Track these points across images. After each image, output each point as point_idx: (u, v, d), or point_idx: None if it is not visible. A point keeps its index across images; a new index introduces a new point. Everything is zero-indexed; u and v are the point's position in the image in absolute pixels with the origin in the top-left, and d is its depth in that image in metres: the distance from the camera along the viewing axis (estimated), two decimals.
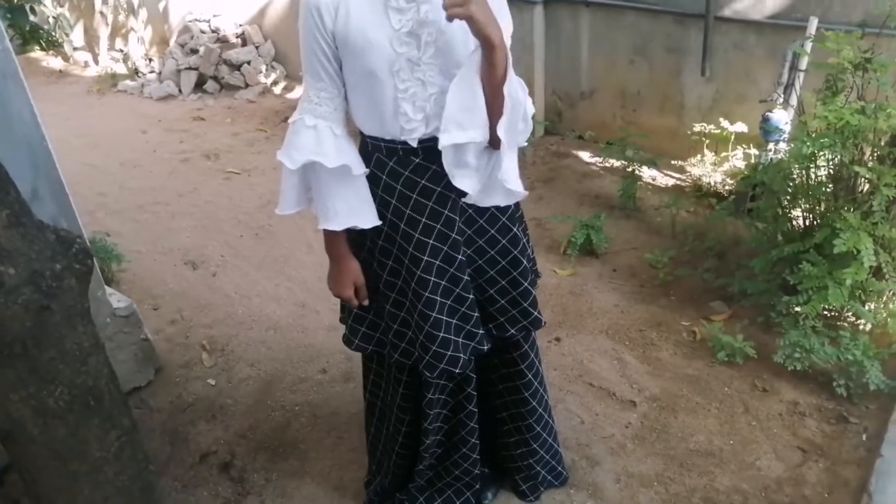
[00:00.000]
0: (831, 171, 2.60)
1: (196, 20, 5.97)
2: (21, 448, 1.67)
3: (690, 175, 3.78)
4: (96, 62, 6.78)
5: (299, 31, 1.52)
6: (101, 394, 1.75)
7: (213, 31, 5.85)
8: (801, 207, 2.73)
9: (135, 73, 6.26)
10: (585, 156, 4.21)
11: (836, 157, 2.50)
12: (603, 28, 4.04)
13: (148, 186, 4.25)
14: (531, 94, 1.38)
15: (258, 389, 2.55)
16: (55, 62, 6.99)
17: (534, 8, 4.07)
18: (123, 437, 1.76)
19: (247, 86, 5.69)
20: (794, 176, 2.69)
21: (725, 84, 3.70)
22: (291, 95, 5.62)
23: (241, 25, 5.88)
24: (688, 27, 3.72)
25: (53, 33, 6.96)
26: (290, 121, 1.57)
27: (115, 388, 1.83)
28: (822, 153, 2.49)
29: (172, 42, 6.16)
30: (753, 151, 3.45)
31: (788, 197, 2.70)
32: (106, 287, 2.64)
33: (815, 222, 2.68)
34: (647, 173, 3.85)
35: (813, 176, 2.64)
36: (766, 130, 3.15)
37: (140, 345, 2.62)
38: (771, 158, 3.15)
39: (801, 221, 2.75)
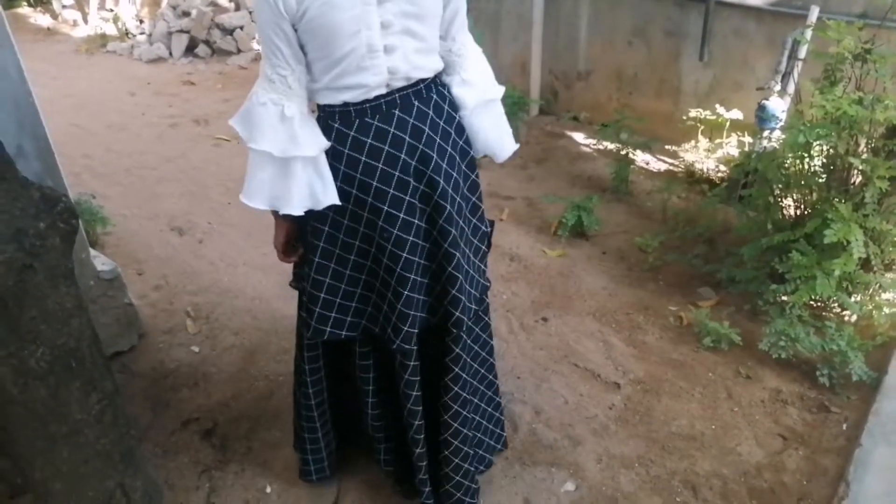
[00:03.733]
0: (825, 162, 2.59)
1: None
2: None
3: (684, 160, 3.77)
4: (86, 21, 6.65)
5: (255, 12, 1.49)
6: (82, 356, 1.72)
7: None
8: (793, 197, 2.73)
9: (125, 34, 6.15)
10: (580, 137, 4.19)
11: (831, 147, 2.50)
12: (603, 7, 4.00)
13: (135, 150, 4.18)
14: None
15: (242, 358, 2.54)
16: (43, 19, 6.85)
17: None
18: (104, 401, 1.74)
19: (239, 51, 5.61)
20: (788, 165, 2.68)
21: (723, 70, 3.68)
22: None
23: None
24: (688, 11, 3.68)
25: None
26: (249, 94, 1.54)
27: (97, 350, 1.80)
28: (817, 143, 2.48)
29: (164, 4, 6.05)
30: (748, 139, 3.45)
31: (781, 186, 2.70)
32: (90, 249, 2.60)
33: (806, 212, 2.68)
34: (640, 157, 3.84)
35: (807, 165, 2.63)
36: (762, 118, 3.14)
37: (124, 309, 2.59)
38: (765, 146, 3.14)
39: (792, 211, 2.75)
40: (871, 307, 2.49)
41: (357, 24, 1.44)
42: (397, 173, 1.57)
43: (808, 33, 2.92)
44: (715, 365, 2.47)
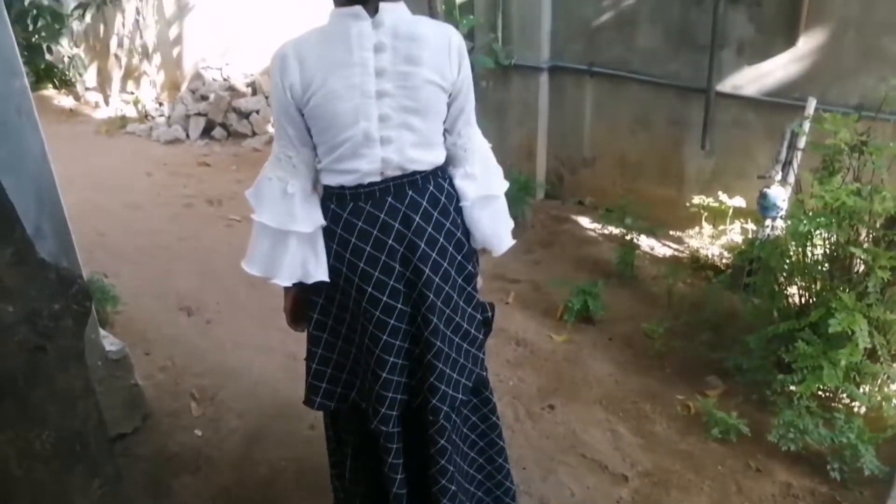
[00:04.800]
0: (827, 251, 2.62)
1: (208, 68, 6.10)
2: (1, 487, 1.63)
3: (688, 246, 3.81)
4: (107, 103, 6.89)
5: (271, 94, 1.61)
6: (87, 439, 1.72)
7: (224, 80, 5.97)
8: (797, 285, 2.75)
9: (144, 116, 6.36)
10: (585, 221, 4.25)
11: (832, 236, 2.53)
12: (606, 97, 4.13)
13: (149, 229, 4.27)
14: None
15: (245, 443, 2.51)
16: (67, 101, 7.11)
17: (539, 74, 4.17)
18: (106, 486, 1.73)
19: (254, 134, 5.78)
20: (791, 253, 2.72)
21: (725, 158, 3.77)
22: None
23: (251, 75, 6.01)
24: (689, 101, 3.80)
25: (67, 73, 7.11)
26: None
27: (101, 434, 1.80)
28: (818, 232, 2.52)
29: (184, 88, 6.28)
30: (751, 226, 3.49)
31: (785, 274, 2.72)
32: (100, 329, 2.63)
33: (810, 300, 2.69)
34: (645, 242, 3.89)
35: (809, 254, 2.66)
36: (764, 206, 3.19)
37: (129, 390, 2.59)
38: (768, 234, 3.18)
39: (797, 299, 2.76)
40: (879, 398, 2.47)
41: (356, 114, 1.52)
42: (383, 257, 1.62)
43: (806, 125, 3.00)
44: (724, 457, 2.43)
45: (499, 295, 3.43)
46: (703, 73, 3.64)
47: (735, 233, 3.64)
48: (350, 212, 1.62)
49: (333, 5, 1.53)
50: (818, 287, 2.63)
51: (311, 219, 1.63)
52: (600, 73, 4.05)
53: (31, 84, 7.07)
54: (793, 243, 2.60)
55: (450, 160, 1.71)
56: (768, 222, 3.21)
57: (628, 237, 3.72)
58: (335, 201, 1.63)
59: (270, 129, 5.79)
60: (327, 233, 1.65)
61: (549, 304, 3.40)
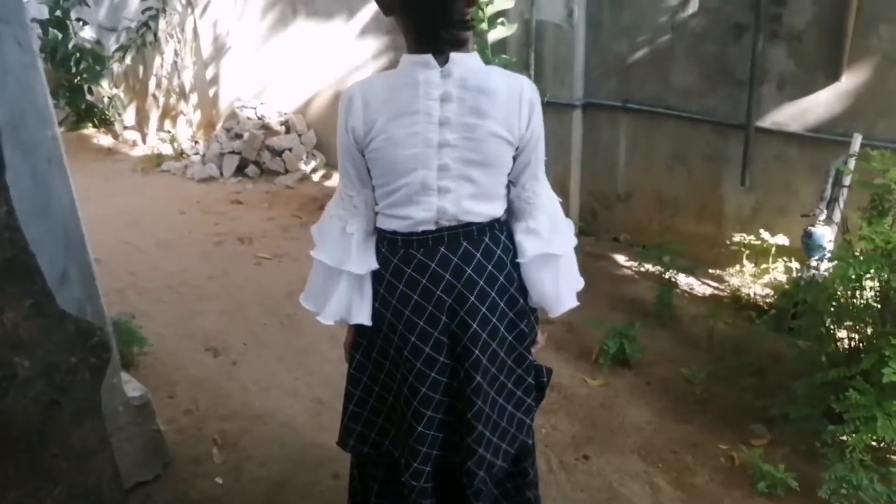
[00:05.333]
0: (878, 294, 2.48)
1: (243, 107, 6.17)
2: None
3: (729, 285, 3.68)
4: (144, 142, 7.01)
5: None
6: (101, 495, 1.66)
7: (258, 118, 6.03)
8: (846, 329, 2.61)
9: (180, 154, 6.44)
10: (621, 259, 4.14)
11: (883, 279, 2.40)
12: (641, 132, 4.05)
13: (179, 268, 4.27)
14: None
15: (267, 491, 2.44)
16: (105, 140, 7.24)
17: (573, 111, 4.11)
18: None
19: (286, 172, 5.80)
20: (839, 297, 2.58)
21: (766, 195, 3.65)
22: (329, 183, 5.71)
23: (285, 114, 6.06)
24: (728, 137, 3.70)
25: (107, 112, 7.27)
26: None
27: (117, 488, 1.75)
28: (868, 275, 2.38)
29: (219, 126, 6.36)
30: (795, 265, 3.35)
31: (833, 318, 2.58)
32: (122, 373, 2.59)
33: (861, 344, 2.55)
34: (683, 280, 3.76)
35: (859, 298, 2.52)
36: (809, 245, 3.06)
37: (151, 436, 2.54)
38: (814, 274, 3.04)
39: (846, 343, 2.62)
40: None
41: (415, 162, 1.49)
42: (430, 307, 1.57)
43: (852, 163, 2.88)
44: None
45: None
46: (742, 108, 3.54)
47: (778, 272, 3.50)
48: (400, 258, 1.58)
49: (406, 51, 1.51)
50: (869, 332, 2.49)
51: (365, 261, 1.62)
52: (635, 109, 3.98)
53: (72, 123, 7.27)
54: (841, 287, 2.47)
55: (513, 213, 1.65)
56: (814, 262, 3.07)
57: (666, 275, 3.60)
58: (387, 245, 1.60)
59: (303, 166, 5.82)
60: (375, 276, 1.63)
61: (583, 345, 3.28)
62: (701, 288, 3.76)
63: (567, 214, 4.49)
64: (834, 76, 3.26)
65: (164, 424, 2.70)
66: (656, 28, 3.77)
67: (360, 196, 1.61)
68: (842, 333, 2.63)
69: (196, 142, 6.65)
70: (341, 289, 1.63)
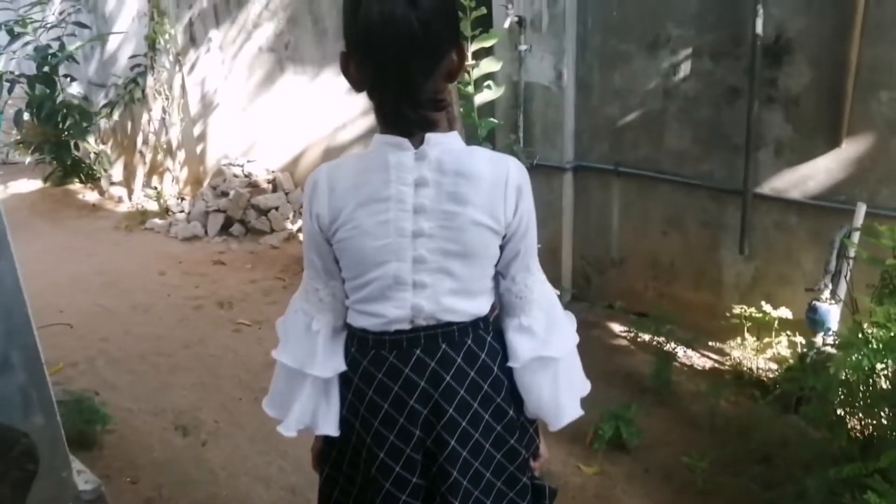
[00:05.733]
0: (892, 382, 2.30)
1: (230, 164, 6.06)
2: None
3: (730, 358, 3.49)
4: (130, 198, 6.88)
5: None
6: None
7: (245, 176, 5.91)
8: (859, 419, 2.41)
9: (165, 211, 6.31)
10: (616, 327, 3.96)
11: None
12: (634, 196, 3.91)
13: (153, 334, 4.08)
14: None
15: None
16: (91, 196, 7.12)
17: (563, 174, 3.98)
18: None
19: (272, 231, 5.66)
20: (851, 385, 2.39)
21: (766, 263, 3.49)
22: None
23: (273, 172, 5.95)
24: (725, 203, 3.56)
25: (94, 168, 7.16)
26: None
27: None
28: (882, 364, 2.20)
29: (205, 184, 6.24)
30: (800, 340, 3.18)
31: (844, 406, 2.39)
32: (76, 463, 2.39)
33: (875, 434, 2.35)
34: (682, 352, 3.57)
35: (871, 384, 2.34)
36: (814, 321, 2.90)
37: None
38: (819, 349, 2.87)
39: (860, 432, 2.42)
40: None
41: (387, 254, 1.32)
42: (402, 420, 1.37)
43: (856, 237, 2.73)
44: None
45: None
46: (739, 174, 3.41)
47: (781, 345, 3.32)
48: (371, 360, 1.39)
49: (378, 130, 1.35)
50: (885, 424, 2.29)
51: (332, 362, 1.43)
52: (627, 172, 3.85)
53: (58, 178, 7.13)
54: (852, 373, 2.28)
55: (504, 309, 1.45)
56: (819, 338, 2.90)
57: (665, 348, 3.41)
58: (357, 344, 1.42)
59: (289, 225, 5.67)
60: (344, 380, 1.44)
61: (577, 426, 3.01)
62: (700, 360, 3.57)
63: (559, 279, 4.25)
64: (834, 142, 3.14)
65: None
66: (648, 91, 3.67)
67: (328, 289, 1.43)
68: (854, 422, 2.44)
69: (182, 199, 6.53)
70: (305, 394, 1.44)
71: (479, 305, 1.39)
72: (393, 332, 1.36)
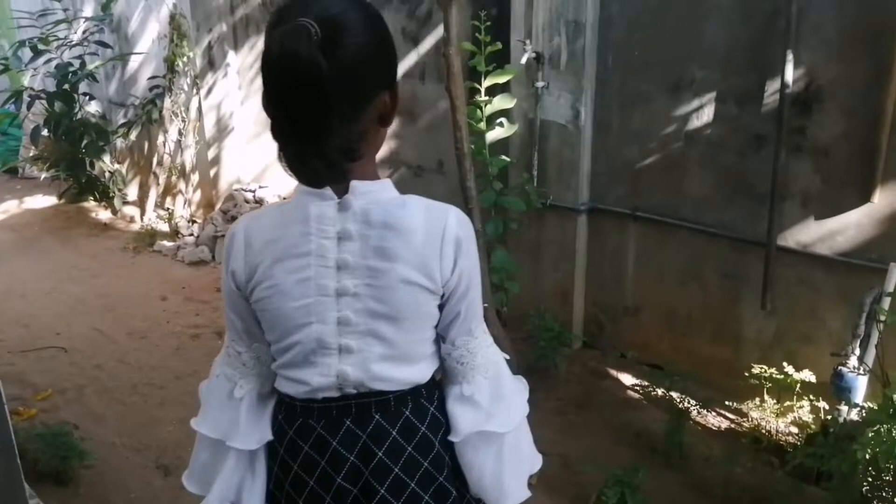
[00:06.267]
0: None
1: (242, 189, 5.98)
2: None
3: (748, 419, 3.28)
4: (142, 218, 6.82)
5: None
6: None
7: (256, 202, 5.82)
8: (885, 499, 2.21)
9: (175, 233, 6.23)
10: (627, 379, 3.76)
11: None
12: (652, 243, 3.74)
13: (148, 363, 3.95)
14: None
15: None
16: (104, 214, 7.07)
17: (577, 216, 3.82)
18: None
19: None
20: (877, 459, 2.19)
21: (789, 320, 3.29)
22: None
23: (284, 198, 5.85)
24: (747, 254, 3.38)
25: (108, 186, 7.13)
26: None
27: None
28: None
29: (217, 208, 6.16)
30: (823, 405, 2.97)
31: (871, 489, 2.19)
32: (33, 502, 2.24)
33: None
34: (696, 409, 3.36)
35: None
36: (839, 387, 2.69)
37: None
38: (844, 419, 2.67)
39: None
40: None
41: (307, 315, 1.18)
42: (329, 499, 1.22)
43: (887, 302, 2.54)
44: None
45: None
46: (763, 224, 3.22)
47: (804, 409, 3.10)
48: (297, 430, 1.25)
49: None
50: None
51: (257, 432, 1.29)
52: (645, 217, 3.68)
53: (73, 195, 7.10)
54: (882, 458, 2.08)
55: (445, 375, 1.31)
56: (843, 407, 2.69)
57: (678, 404, 3.21)
58: (284, 411, 1.28)
59: None
60: (270, 451, 1.30)
61: (580, 487, 2.88)
62: (716, 420, 3.36)
63: (569, 325, 4.02)
64: (865, 196, 2.95)
65: None
66: (668, 135, 3.51)
67: (250, 352, 1.29)
68: (881, 502, 2.23)
69: (193, 221, 6.44)
70: (228, 467, 1.30)
71: (417, 372, 1.24)
72: (320, 399, 1.22)
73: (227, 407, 1.30)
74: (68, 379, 3.81)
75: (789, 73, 3.01)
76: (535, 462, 1.38)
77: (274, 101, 1.10)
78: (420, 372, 1.25)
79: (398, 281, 1.16)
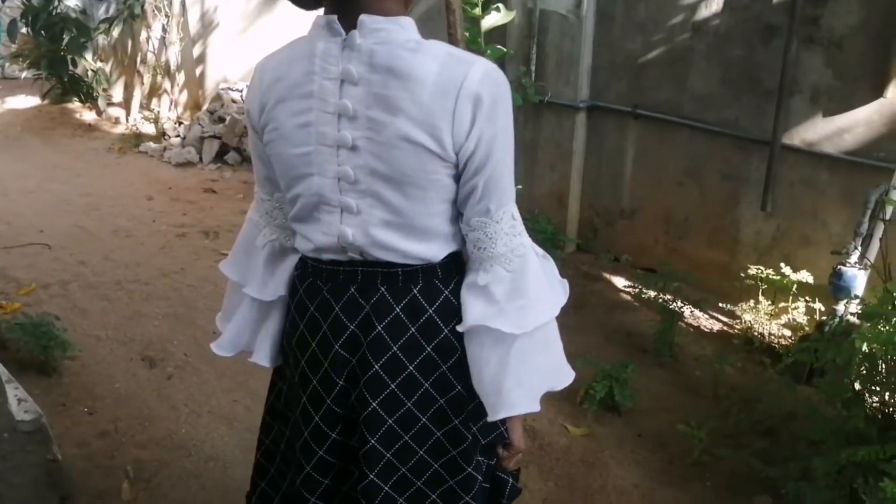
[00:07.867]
0: None
1: (229, 89, 5.78)
2: None
3: (741, 322, 3.24)
4: (127, 120, 6.63)
5: None
6: None
7: (242, 101, 5.63)
8: (879, 397, 2.17)
9: (161, 135, 6.06)
10: (620, 282, 3.71)
11: None
12: (652, 143, 3.61)
13: (132, 260, 3.87)
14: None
15: None
16: (88, 115, 6.87)
17: (576, 113, 3.67)
18: None
19: None
20: (873, 356, 2.14)
21: (789, 222, 3.21)
22: None
23: None
24: (749, 153, 3.26)
25: (93, 86, 6.90)
26: None
27: None
28: None
29: (203, 108, 5.96)
30: (819, 306, 2.93)
31: (864, 383, 2.15)
32: (16, 391, 2.19)
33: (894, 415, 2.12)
34: (688, 312, 3.32)
35: None
36: (838, 287, 2.63)
37: (45, 467, 2.14)
38: (840, 318, 2.62)
39: (878, 411, 2.18)
40: None
41: (308, 165, 1.07)
42: (326, 365, 1.16)
43: (895, 194, 2.45)
44: None
45: None
46: (768, 122, 3.10)
47: (798, 311, 3.07)
48: (306, 289, 1.19)
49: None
50: None
51: (271, 285, 1.25)
52: (646, 116, 3.54)
53: (57, 96, 6.88)
54: (878, 347, 2.03)
55: (468, 260, 1.16)
56: (841, 306, 2.64)
57: (670, 307, 3.17)
58: (299, 268, 1.23)
59: None
60: (286, 306, 1.27)
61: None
62: (708, 322, 3.33)
63: (564, 228, 3.93)
64: (878, 91, 2.82)
65: (75, 448, 2.36)
66: (675, 25, 3.33)
67: (273, 201, 1.23)
68: (874, 398, 2.20)
69: (179, 123, 6.26)
70: (242, 311, 1.30)
71: (429, 248, 1.11)
72: (327, 260, 1.15)
73: (248, 253, 1.29)
74: (52, 275, 3.73)
75: None
76: (559, 378, 1.22)
77: None
78: (432, 249, 1.11)
79: (398, 137, 1.01)
